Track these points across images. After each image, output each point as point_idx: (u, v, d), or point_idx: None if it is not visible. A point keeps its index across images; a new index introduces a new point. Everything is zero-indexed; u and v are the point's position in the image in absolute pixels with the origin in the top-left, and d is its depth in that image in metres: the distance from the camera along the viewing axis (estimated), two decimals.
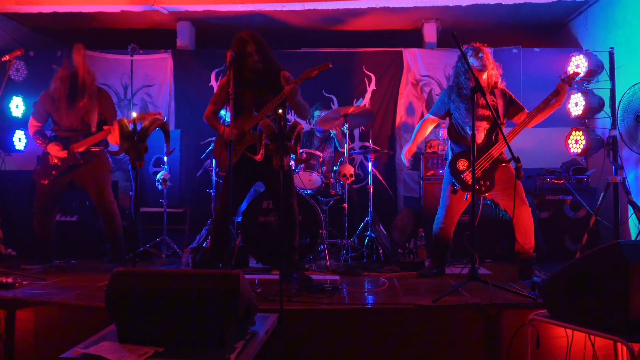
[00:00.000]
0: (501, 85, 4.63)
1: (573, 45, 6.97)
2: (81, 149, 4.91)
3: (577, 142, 5.51)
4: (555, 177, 5.89)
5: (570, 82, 4.51)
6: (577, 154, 5.59)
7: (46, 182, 4.97)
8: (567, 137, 5.63)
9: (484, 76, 4.50)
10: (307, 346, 3.44)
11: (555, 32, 7.54)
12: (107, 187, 5.09)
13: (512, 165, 4.42)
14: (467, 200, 4.55)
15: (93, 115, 5.00)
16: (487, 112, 4.45)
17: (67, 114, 4.94)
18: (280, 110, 3.22)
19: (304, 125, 6.62)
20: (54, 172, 4.97)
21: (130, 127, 3.35)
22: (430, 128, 4.88)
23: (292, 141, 3.19)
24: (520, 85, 6.30)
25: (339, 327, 3.45)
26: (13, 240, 5.92)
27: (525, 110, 4.59)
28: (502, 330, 3.48)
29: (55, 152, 4.92)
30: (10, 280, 4.04)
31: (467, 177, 4.46)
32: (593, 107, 5.42)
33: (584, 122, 5.56)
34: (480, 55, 4.47)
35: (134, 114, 3.39)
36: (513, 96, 4.65)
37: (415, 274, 4.79)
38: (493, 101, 4.53)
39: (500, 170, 4.44)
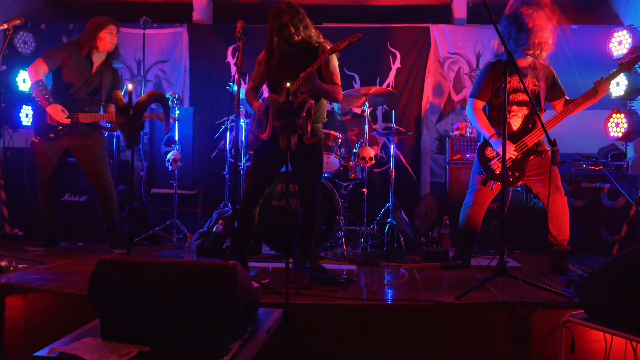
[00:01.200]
0: (546, 60, 4.10)
1: (613, 22, 6.50)
2: (86, 121, 4.67)
3: (617, 126, 5.10)
4: (592, 163, 5.47)
5: (630, 67, 4.01)
6: (618, 138, 5.18)
7: (38, 140, 4.74)
8: (607, 120, 5.22)
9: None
10: (315, 345, 3.12)
11: (595, 8, 7.08)
12: (103, 166, 4.85)
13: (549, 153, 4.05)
14: (494, 189, 4.18)
15: (104, 90, 4.78)
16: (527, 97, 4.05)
17: (83, 76, 4.72)
18: (288, 84, 2.88)
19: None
20: (51, 135, 4.72)
21: (126, 100, 3.05)
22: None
23: (302, 118, 2.86)
24: (557, 64, 5.87)
25: (351, 324, 3.14)
26: (20, 220, 5.71)
27: (565, 97, 4.18)
28: (532, 331, 3.14)
29: (58, 115, 4.65)
30: (4, 263, 3.81)
31: (495, 165, 4.11)
32: (636, 88, 4.97)
33: (626, 103, 5.11)
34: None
35: (130, 85, 3.08)
36: (557, 78, 4.20)
37: (438, 265, 4.45)
38: (535, 85, 4.11)
39: (536, 157, 4.04)
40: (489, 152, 4.15)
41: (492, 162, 4.12)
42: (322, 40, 3.94)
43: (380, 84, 6.53)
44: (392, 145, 5.49)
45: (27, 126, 6.14)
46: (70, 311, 3.32)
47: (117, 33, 4.80)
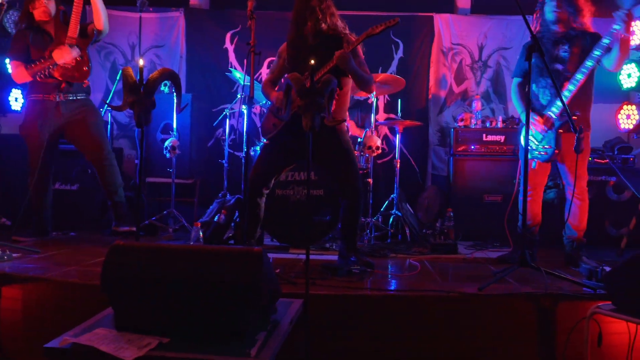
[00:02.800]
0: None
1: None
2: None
3: (628, 117, 5.02)
4: (598, 156, 5.38)
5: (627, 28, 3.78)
6: (629, 130, 5.09)
7: (28, 121, 4.52)
8: (617, 112, 5.14)
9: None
10: (335, 336, 2.99)
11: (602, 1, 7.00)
12: (101, 137, 4.64)
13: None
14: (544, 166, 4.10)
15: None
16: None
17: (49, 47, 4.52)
18: (312, 61, 2.72)
19: None
20: (77, 74, 4.50)
21: (136, 78, 2.87)
22: None
23: (325, 98, 2.71)
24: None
25: (372, 315, 3.01)
26: (8, 208, 5.47)
27: None
28: (557, 323, 3.05)
29: (64, 54, 4.43)
30: None
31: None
32: None
33: (638, 95, 5.03)
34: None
35: (141, 61, 2.90)
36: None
37: (446, 257, 4.36)
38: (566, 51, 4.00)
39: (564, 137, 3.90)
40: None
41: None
42: (347, 31, 3.76)
43: (383, 73, 6.39)
44: (397, 135, 5.36)
45: (17, 111, 5.92)
46: (70, 301, 3.16)
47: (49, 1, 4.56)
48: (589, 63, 3.74)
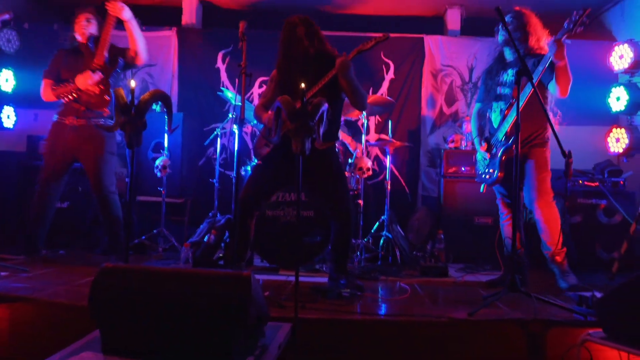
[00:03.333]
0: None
1: (606, 38, 6.50)
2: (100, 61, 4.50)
3: (618, 141, 5.04)
4: (588, 179, 5.40)
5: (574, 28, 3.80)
6: (619, 154, 5.12)
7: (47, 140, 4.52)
8: (607, 135, 5.17)
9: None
10: None
11: (589, 24, 7.08)
12: (109, 173, 4.61)
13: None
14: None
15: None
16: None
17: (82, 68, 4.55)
18: (302, 85, 2.73)
19: None
20: (103, 127, 4.46)
21: (128, 98, 2.87)
22: None
23: (316, 121, 2.72)
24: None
25: (361, 340, 2.99)
26: None
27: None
28: (547, 350, 3.04)
29: (86, 79, 4.46)
30: None
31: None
32: (638, 102, 4.92)
33: (627, 118, 5.07)
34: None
35: (133, 83, 2.91)
36: None
37: (437, 280, 4.34)
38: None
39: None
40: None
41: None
42: (336, 54, 3.76)
43: (374, 94, 6.42)
44: (388, 156, 5.37)
45: (8, 128, 5.88)
46: (58, 322, 3.12)
47: (92, 19, 4.62)
48: (527, 89, 3.79)
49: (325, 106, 2.80)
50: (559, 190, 5.44)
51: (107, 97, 4.52)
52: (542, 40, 4.04)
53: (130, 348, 2.21)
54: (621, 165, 5.63)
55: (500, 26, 4.07)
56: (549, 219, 4.00)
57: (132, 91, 2.85)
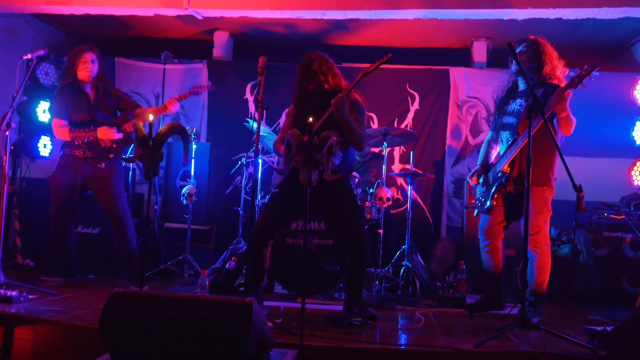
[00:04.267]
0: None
1: (636, 70, 6.46)
2: (130, 128, 4.79)
3: None
4: (614, 212, 5.36)
5: (579, 82, 3.71)
6: None
7: (102, 165, 4.78)
8: (631, 168, 5.14)
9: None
10: None
11: (616, 56, 7.05)
12: (121, 193, 4.85)
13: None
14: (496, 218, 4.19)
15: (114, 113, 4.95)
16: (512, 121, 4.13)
17: (85, 109, 4.84)
18: (310, 119, 2.84)
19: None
20: (111, 156, 4.78)
21: (146, 131, 3.03)
22: None
23: (323, 154, 2.82)
24: (577, 109, 5.82)
25: None
26: (31, 250, 5.66)
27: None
28: None
29: (108, 134, 4.73)
30: (14, 293, 3.74)
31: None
32: None
33: None
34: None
35: (151, 116, 3.07)
36: None
37: (455, 311, 4.34)
38: (521, 105, 4.13)
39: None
40: (473, 182, 4.33)
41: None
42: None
43: (399, 125, 6.50)
44: (409, 187, 5.43)
45: (45, 157, 6.14)
46: (78, 344, 3.25)
47: (95, 60, 4.85)
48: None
49: (334, 139, 2.91)
50: (584, 223, 5.43)
51: (115, 146, 4.81)
52: (557, 69, 4.06)
53: None
54: None
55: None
56: (539, 261, 4.01)
57: (150, 124, 3.00)
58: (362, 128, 3.83)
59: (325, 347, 3.05)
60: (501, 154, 4.14)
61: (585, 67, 3.62)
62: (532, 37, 4.15)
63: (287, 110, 4.06)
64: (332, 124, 3.65)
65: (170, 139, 3.56)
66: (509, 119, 4.11)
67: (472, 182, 4.29)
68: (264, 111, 3.72)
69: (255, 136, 4.19)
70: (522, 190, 3.73)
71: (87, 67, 4.79)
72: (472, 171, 4.33)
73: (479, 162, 4.38)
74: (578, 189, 3.38)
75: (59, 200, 4.81)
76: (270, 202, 3.97)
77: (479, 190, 4.29)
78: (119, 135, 4.77)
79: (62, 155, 4.88)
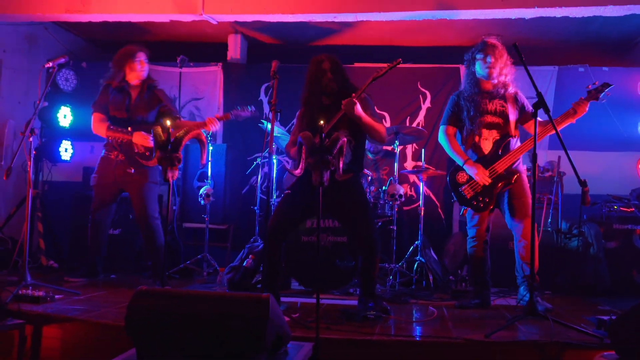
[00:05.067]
0: (513, 90, 4.26)
1: None
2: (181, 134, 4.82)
3: None
4: (624, 205, 5.43)
5: (597, 96, 4.04)
6: None
7: (132, 170, 4.82)
8: (639, 162, 5.20)
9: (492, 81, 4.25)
10: None
11: (625, 52, 7.10)
12: (152, 200, 4.93)
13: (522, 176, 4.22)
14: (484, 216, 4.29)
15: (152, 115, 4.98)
16: (498, 120, 4.19)
17: (124, 110, 4.89)
18: (322, 122, 2.97)
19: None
20: (141, 162, 4.79)
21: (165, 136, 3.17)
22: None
23: (334, 155, 2.94)
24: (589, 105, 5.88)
25: (377, 359, 3.15)
26: (54, 252, 5.85)
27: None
28: None
29: (143, 140, 4.80)
30: (41, 293, 3.90)
31: (465, 191, 4.22)
32: None
33: None
34: (488, 60, 4.21)
35: (168, 122, 3.21)
36: (526, 102, 4.30)
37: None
38: (502, 106, 4.21)
39: (504, 183, 4.14)
40: (460, 178, 4.27)
41: (463, 188, 4.24)
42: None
43: (411, 123, 6.62)
44: (421, 184, 5.54)
45: (66, 161, 6.32)
46: (105, 341, 3.38)
47: (146, 60, 4.93)
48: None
49: (344, 140, 3.03)
50: (594, 216, 5.51)
51: (147, 154, 4.84)
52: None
53: None
54: None
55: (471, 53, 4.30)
56: (527, 244, 4.10)
57: (167, 129, 3.14)
58: (379, 121, 3.97)
59: (340, 340, 3.18)
60: (485, 151, 4.21)
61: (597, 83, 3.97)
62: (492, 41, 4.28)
63: (300, 112, 4.16)
64: (342, 124, 3.78)
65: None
66: (493, 118, 4.17)
67: (485, 173, 4.15)
68: (272, 115, 3.80)
69: (269, 137, 4.35)
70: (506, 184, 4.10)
71: (140, 68, 4.88)
72: (471, 169, 4.22)
73: (458, 154, 4.30)
74: (583, 183, 3.46)
75: (98, 201, 4.94)
76: (283, 203, 4.09)
77: (467, 186, 4.26)
78: (151, 145, 4.78)
79: (102, 156, 4.96)
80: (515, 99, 4.24)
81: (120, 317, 3.57)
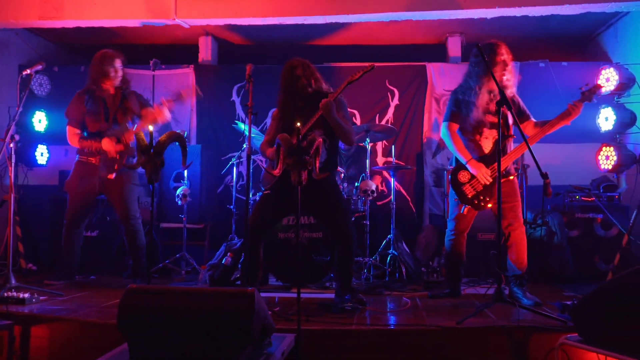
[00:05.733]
0: (511, 91, 4.35)
1: (602, 59, 6.79)
2: (132, 139, 4.92)
3: (607, 158, 5.35)
4: (585, 195, 5.68)
5: (590, 97, 4.19)
6: (608, 171, 5.42)
7: (112, 176, 4.90)
8: (598, 153, 5.47)
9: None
10: None
11: (584, 46, 7.39)
12: (133, 201, 5.04)
13: (516, 179, 4.39)
14: (473, 212, 4.43)
15: (131, 119, 5.05)
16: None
17: (103, 118, 4.97)
18: (298, 124, 3.13)
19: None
20: (116, 167, 4.91)
21: (147, 140, 3.28)
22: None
23: (310, 155, 3.10)
24: (548, 99, 6.11)
25: (359, 348, 3.33)
26: (33, 255, 5.90)
27: (532, 119, 4.38)
28: (530, 354, 3.32)
29: (110, 146, 4.87)
30: (26, 295, 3.99)
31: (467, 190, 4.33)
32: (624, 122, 5.27)
33: (615, 137, 5.38)
34: (507, 64, 4.28)
35: (151, 127, 3.33)
36: (522, 103, 4.46)
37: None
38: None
39: (503, 184, 4.18)
40: (462, 177, 4.36)
41: (465, 187, 4.34)
42: (331, 90, 4.15)
43: (380, 120, 6.81)
44: (392, 179, 5.73)
45: (42, 165, 6.37)
46: (91, 339, 3.51)
47: (121, 67, 5.02)
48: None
49: (320, 141, 3.19)
50: (557, 206, 5.76)
51: (118, 157, 4.95)
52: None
53: (153, 357, 2.59)
54: (618, 181, 5.90)
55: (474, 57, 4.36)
56: (520, 242, 4.34)
57: (150, 134, 3.26)
58: (349, 124, 4.16)
59: (320, 330, 3.35)
60: (486, 150, 4.33)
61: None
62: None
63: (272, 112, 4.32)
64: (317, 125, 3.96)
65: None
66: (494, 118, 4.18)
67: (488, 173, 4.25)
68: (249, 117, 3.94)
69: (244, 137, 4.48)
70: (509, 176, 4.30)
71: (114, 77, 4.97)
72: (474, 168, 4.30)
73: (461, 153, 4.36)
74: (544, 175, 3.65)
75: (75, 205, 5.02)
76: (262, 202, 4.26)
77: (468, 187, 4.36)
78: (119, 147, 4.91)
79: (77, 161, 5.03)
80: (513, 101, 4.32)
81: (105, 315, 3.69)
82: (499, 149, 3.81)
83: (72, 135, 5.01)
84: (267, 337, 2.81)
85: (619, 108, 5.32)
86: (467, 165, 4.30)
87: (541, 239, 5.54)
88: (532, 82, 6.55)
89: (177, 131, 5.46)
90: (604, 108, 5.40)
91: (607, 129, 5.41)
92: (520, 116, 4.36)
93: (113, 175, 4.91)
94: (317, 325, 3.42)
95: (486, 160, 4.29)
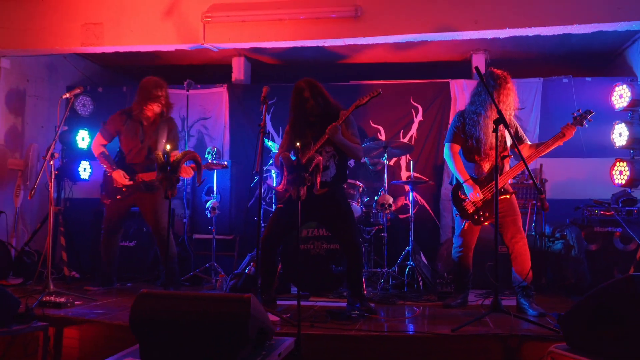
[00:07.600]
0: (511, 113, 4.55)
1: (628, 74, 6.80)
2: (147, 179, 5.27)
3: (621, 173, 5.42)
4: (604, 209, 5.73)
5: (582, 122, 4.39)
6: (622, 185, 5.48)
7: (108, 202, 5.35)
8: (612, 168, 5.54)
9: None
10: None
11: (611, 61, 7.40)
12: (164, 213, 5.34)
13: (513, 197, 4.56)
14: (475, 227, 4.62)
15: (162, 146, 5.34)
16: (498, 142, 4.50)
17: (137, 140, 5.34)
18: (298, 144, 3.41)
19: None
20: (118, 197, 5.33)
21: (165, 159, 3.61)
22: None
23: (310, 172, 3.36)
24: (565, 115, 6.17)
25: (356, 353, 3.55)
26: (76, 263, 6.34)
27: (527, 142, 4.62)
28: None
29: (120, 179, 5.26)
30: (62, 299, 4.38)
31: (468, 206, 4.55)
32: (637, 138, 5.33)
33: (630, 152, 5.46)
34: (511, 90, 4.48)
35: (168, 146, 3.69)
36: (518, 126, 4.68)
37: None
38: (502, 130, 4.54)
39: (501, 201, 4.41)
40: (462, 194, 4.59)
41: (465, 203, 4.57)
42: (340, 107, 4.44)
43: (404, 136, 7.02)
44: (411, 193, 5.93)
45: (85, 179, 6.83)
46: (117, 340, 3.82)
47: (166, 95, 5.39)
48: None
49: (319, 159, 3.46)
50: (576, 220, 5.83)
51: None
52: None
53: (160, 357, 2.88)
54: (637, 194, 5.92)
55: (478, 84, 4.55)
56: (523, 254, 4.49)
57: (167, 153, 3.59)
58: (357, 141, 4.44)
59: (320, 335, 3.60)
60: (484, 171, 4.56)
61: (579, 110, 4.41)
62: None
63: (287, 129, 4.62)
64: (328, 142, 4.29)
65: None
66: (492, 141, 4.36)
67: (478, 192, 4.47)
68: (280, 128, 4.28)
69: (272, 154, 4.77)
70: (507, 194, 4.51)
71: (156, 107, 5.35)
72: (469, 188, 4.52)
73: (460, 173, 4.59)
74: (539, 191, 3.82)
75: (109, 217, 5.45)
76: (275, 215, 4.58)
77: (469, 203, 4.56)
78: (129, 183, 5.29)
79: (104, 171, 5.46)
80: (510, 125, 4.53)
81: None
82: (497, 165, 3.98)
83: (97, 144, 5.44)
84: (267, 340, 3.06)
85: (633, 124, 5.40)
86: (464, 185, 4.53)
87: (559, 252, 5.64)
88: (555, 97, 6.66)
89: (208, 148, 5.89)
90: (618, 124, 5.48)
91: (620, 145, 5.48)
92: (517, 140, 4.56)
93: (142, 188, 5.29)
94: (319, 331, 3.67)
95: (485, 179, 4.53)
